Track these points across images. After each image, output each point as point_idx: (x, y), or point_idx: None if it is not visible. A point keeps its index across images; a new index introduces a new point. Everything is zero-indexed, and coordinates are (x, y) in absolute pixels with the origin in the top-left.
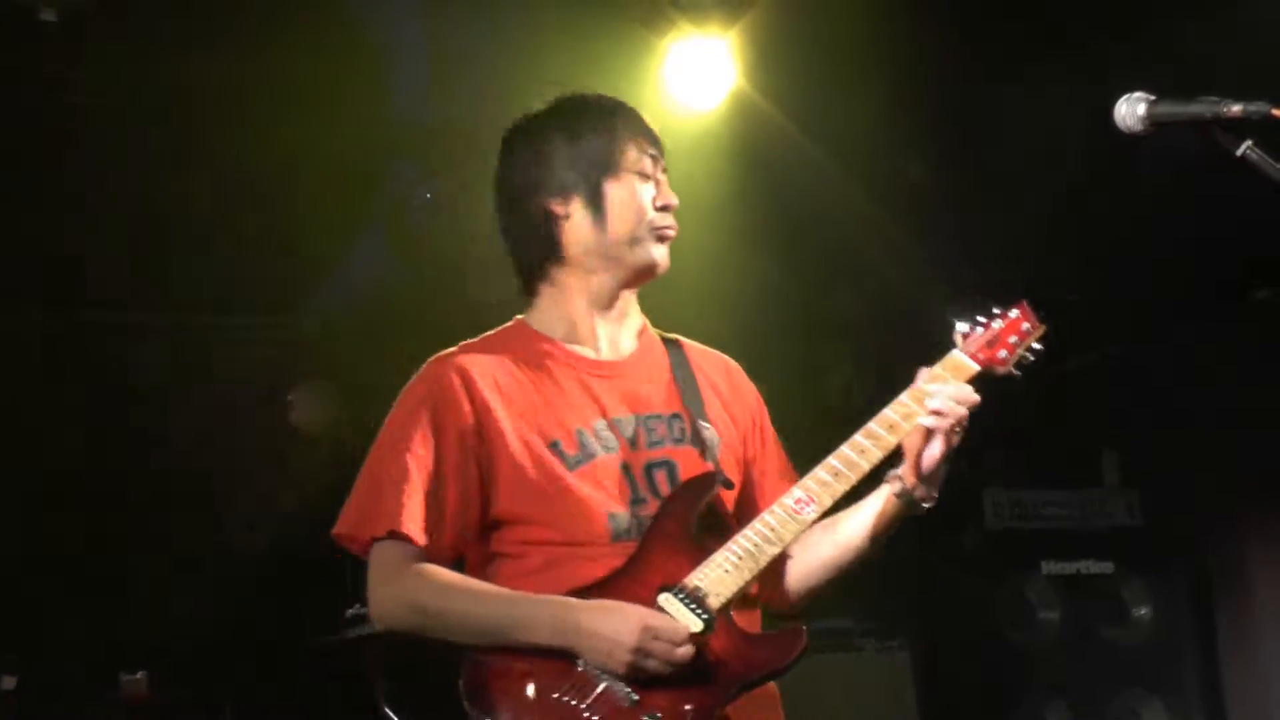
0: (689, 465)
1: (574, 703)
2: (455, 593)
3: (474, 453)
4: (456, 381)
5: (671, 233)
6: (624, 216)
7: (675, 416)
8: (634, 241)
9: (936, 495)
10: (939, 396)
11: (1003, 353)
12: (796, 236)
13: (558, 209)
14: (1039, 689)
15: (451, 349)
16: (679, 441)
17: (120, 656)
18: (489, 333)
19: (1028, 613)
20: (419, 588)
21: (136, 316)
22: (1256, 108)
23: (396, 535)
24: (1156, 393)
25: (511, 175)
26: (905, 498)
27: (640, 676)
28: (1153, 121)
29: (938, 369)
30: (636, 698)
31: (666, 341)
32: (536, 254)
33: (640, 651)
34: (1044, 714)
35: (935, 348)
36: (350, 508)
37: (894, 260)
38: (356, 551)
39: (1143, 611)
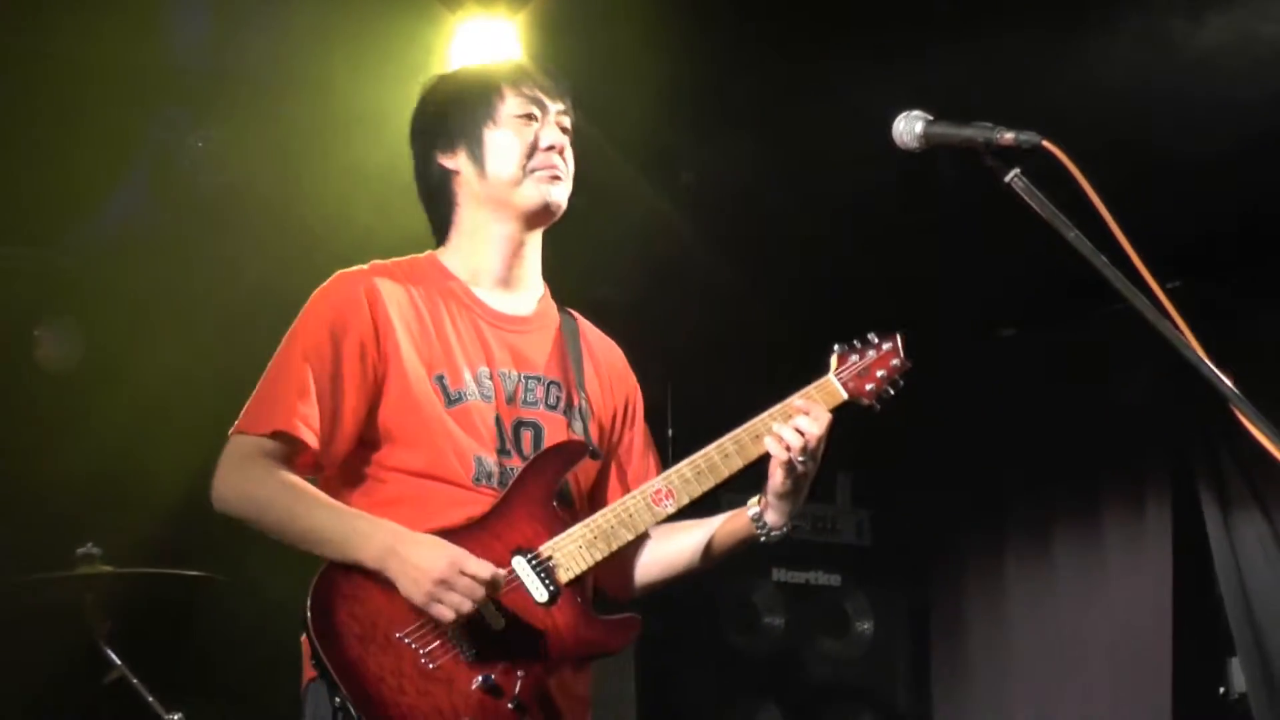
0: (555, 431)
1: (414, 646)
2: (294, 496)
3: (371, 365)
4: (363, 296)
5: (557, 172)
6: (502, 161)
7: (554, 383)
8: (513, 183)
9: (784, 528)
10: (789, 435)
11: (870, 385)
12: (576, 230)
13: (447, 163)
14: (755, 692)
15: (362, 265)
16: (552, 407)
17: None
18: (401, 258)
19: (753, 617)
20: (267, 482)
21: None
22: (1027, 137)
23: (281, 435)
24: (891, 426)
25: (413, 129)
26: (757, 521)
27: (439, 613)
28: (928, 141)
29: (810, 390)
30: (474, 652)
31: (563, 312)
32: (439, 206)
33: (444, 583)
34: (756, 717)
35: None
36: (250, 405)
37: (683, 261)
38: None
39: (864, 626)
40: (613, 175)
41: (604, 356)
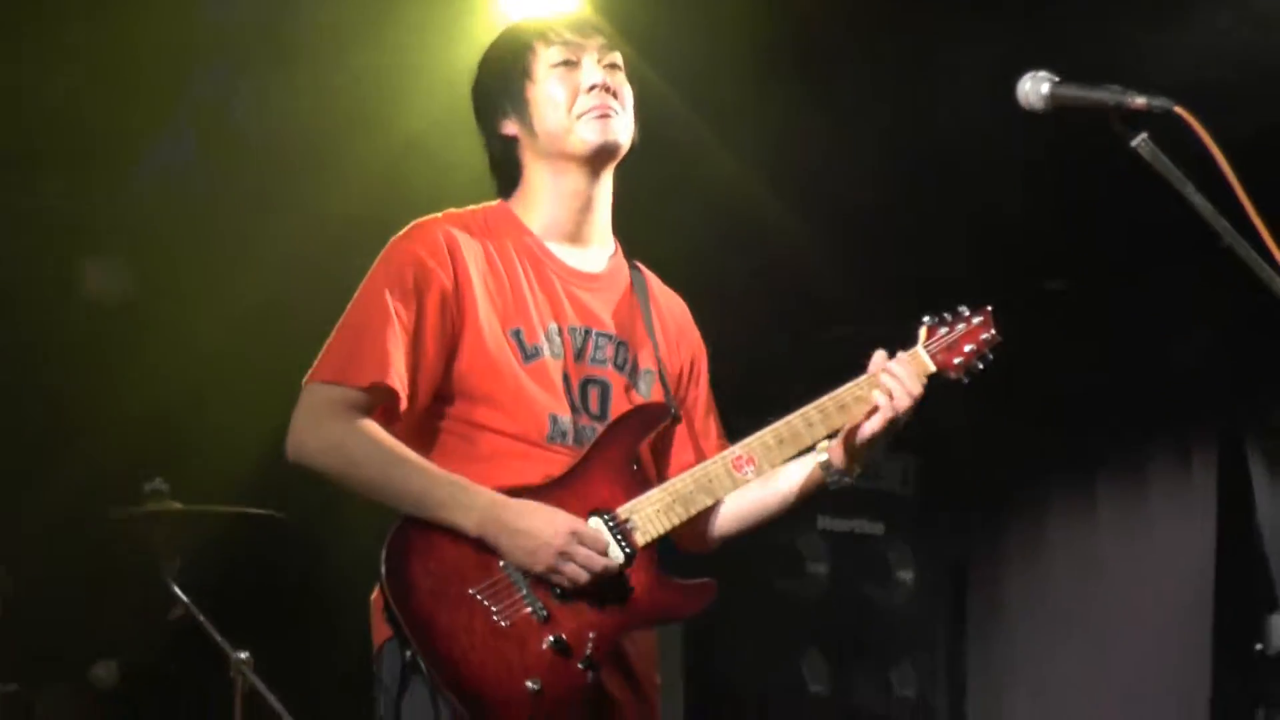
0: (619, 391)
1: (486, 602)
2: (391, 457)
3: (451, 318)
4: (443, 246)
5: (607, 110)
6: (546, 114)
7: (623, 343)
8: (564, 132)
9: (851, 474)
10: (896, 387)
11: (958, 359)
12: (661, 194)
13: (506, 131)
14: (799, 638)
15: (436, 214)
16: (620, 367)
17: None
18: (473, 207)
19: (797, 564)
20: (356, 440)
21: None
22: (1160, 102)
23: (375, 388)
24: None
25: (475, 112)
26: (829, 472)
27: (558, 582)
28: (1055, 102)
29: (899, 360)
30: (546, 614)
31: (632, 268)
32: (508, 174)
33: (564, 555)
34: (800, 662)
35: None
36: (331, 353)
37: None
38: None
39: (905, 576)
40: (681, 130)
41: (671, 314)
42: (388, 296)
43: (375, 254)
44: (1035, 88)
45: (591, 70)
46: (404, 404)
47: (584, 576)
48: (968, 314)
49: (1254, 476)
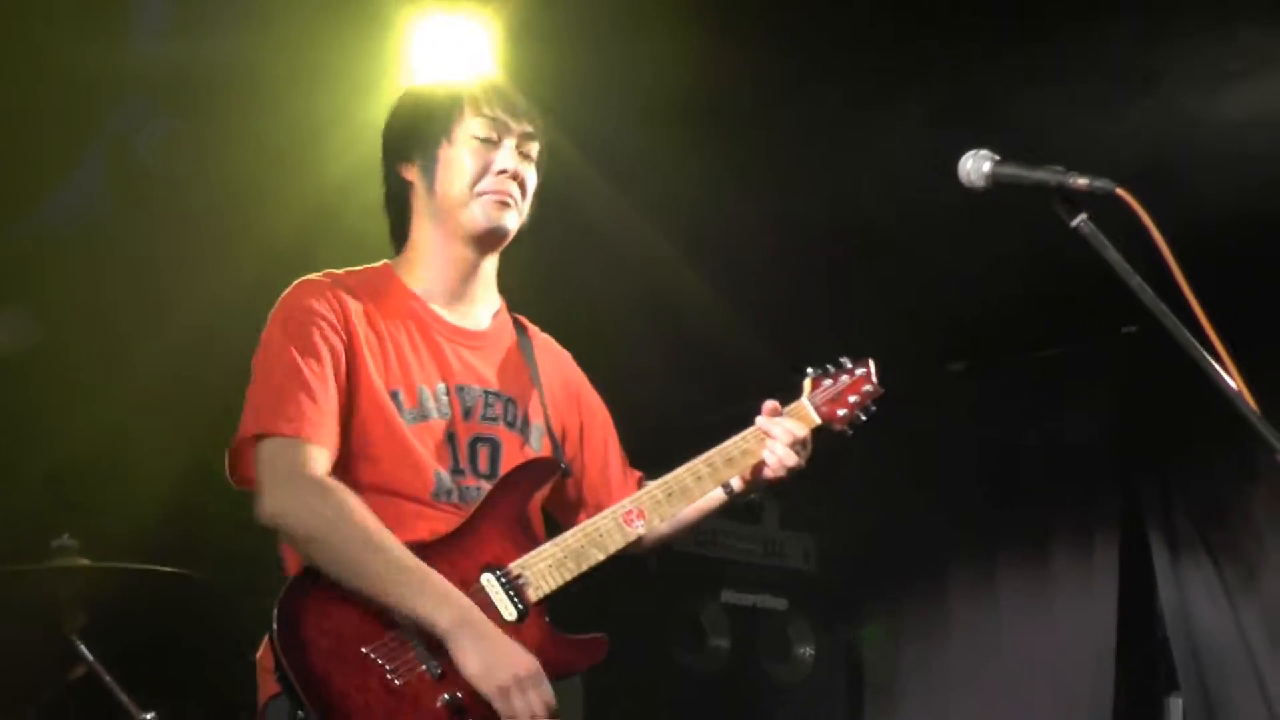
0: (511, 448)
1: (380, 661)
2: (365, 527)
3: (339, 377)
4: (336, 305)
5: (506, 198)
6: (450, 180)
7: (511, 400)
8: (459, 206)
9: (751, 492)
10: (783, 439)
11: (842, 410)
12: (560, 255)
13: (406, 175)
14: (698, 711)
15: (320, 275)
16: (511, 425)
17: None
18: (355, 269)
19: (700, 638)
20: (338, 509)
21: None
22: (1101, 184)
23: (302, 440)
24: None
25: (382, 138)
26: (732, 494)
27: (502, 705)
28: (995, 181)
29: (785, 414)
30: (440, 672)
31: (516, 324)
32: (396, 216)
33: (520, 686)
34: None
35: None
36: (259, 409)
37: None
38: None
39: (805, 651)
40: (579, 188)
41: (558, 369)
42: (297, 352)
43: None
44: (977, 166)
45: (507, 155)
46: (329, 460)
47: (525, 715)
48: (850, 366)
49: (1155, 558)
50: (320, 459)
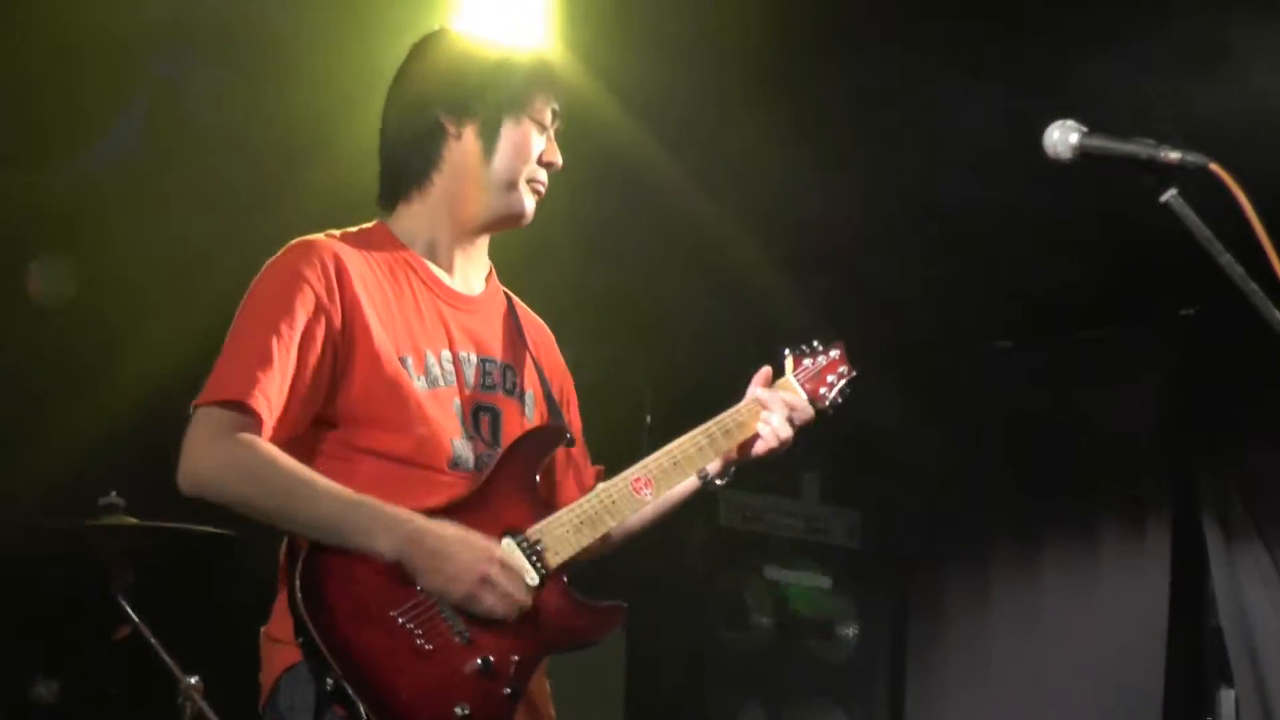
0: (511, 417)
1: (410, 626)
2: (296, 478)
3: (335, 341)
4: (331, 265)
5: (544, 189)
6: (511, 158)
7: (509, 367)
8: (510, 186)
9: (724, 477)
10: (779, 411)
11: (823, 389)
12: (610, 229)
13: (449, 126)
14: (740, 688)
15: (316, 235)
16: (510, 392)
17: None
18: (349, 229)
19: (742, 614)
20: (257, 460)
21: None
22: (1194, 158)
23: (240, 406)
24: (890, 430)
25: (416, 76)
26: (705, 480)
27: (476, 609)
28: (1083, 152)
29: (777, 388)
30: (470, 637)
31: (504, 293)
32: (412, 163)
33: (487, 582)
34: (737, 713)
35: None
36: (210, 378)
37: (729, 259)
38: None
39: (848, 630)
40: (634, 152)
41: (542, 337)
42: (268, 315)
43: None
44: (1064, 137)
45: (555, 148)
46: (268, 427)
47: (501, 609)
48: (824, 347)
49: (1210, 547)
50: (254, 427)
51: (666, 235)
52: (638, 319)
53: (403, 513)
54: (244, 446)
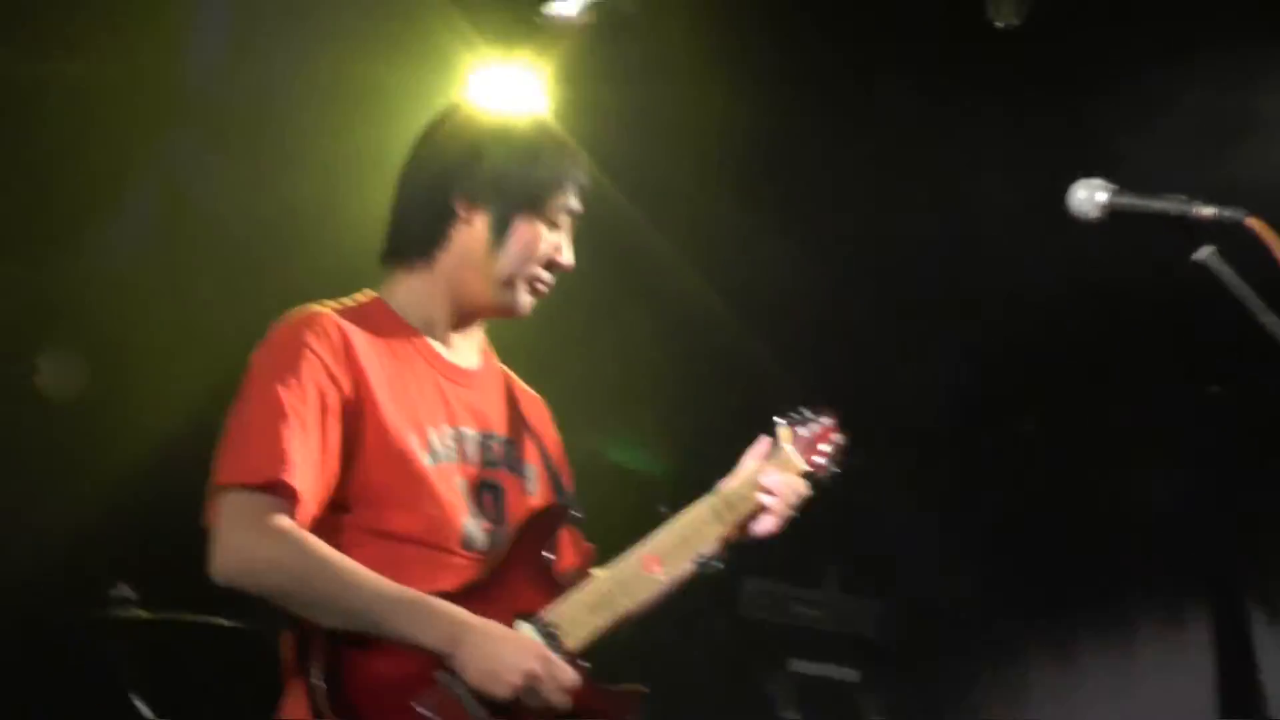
0: (514, 493)
1: (431, 715)
2: (338, 569)
3: (347, 417)
4: (338, 338)
5: (545, 290)
6: (518, 255)
7: (510, 441)
8: (509, 282)
9: (720, 558)
10: (780, 485)
11: (818, 458)
12: (613, 307)
13: (461, 209)
14: None
15: (316, 305)
16: (512, 468)
17: None
18: (345, 301)
19: (767, 709)
20: (296, 551)
21: None
22: (1230, 213)
23: (276, 486)
24: (916, 518)
25: (437, 147)
26: (703, 564)
27: (529, 703)
28: (1111, 211)
29: (775, 462)
30: None
31: (500, 367)
32: (419, 235)
33: (532, 677)
34: None
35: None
36: (231, 452)
37: (719, 337)
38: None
39: None
40: (629, 233)
41: (537, 412)
42: (280, 389)
43: None
44: (1090, 196)
45: (567, 248)
46: (305, 507)
47: (554, 700)
48: (816, 415)
49: (1255, 632)
50: (290, 510)
51: (666, 316)
52: (646, 405)
53: (445, 607)
54: (282, 537)
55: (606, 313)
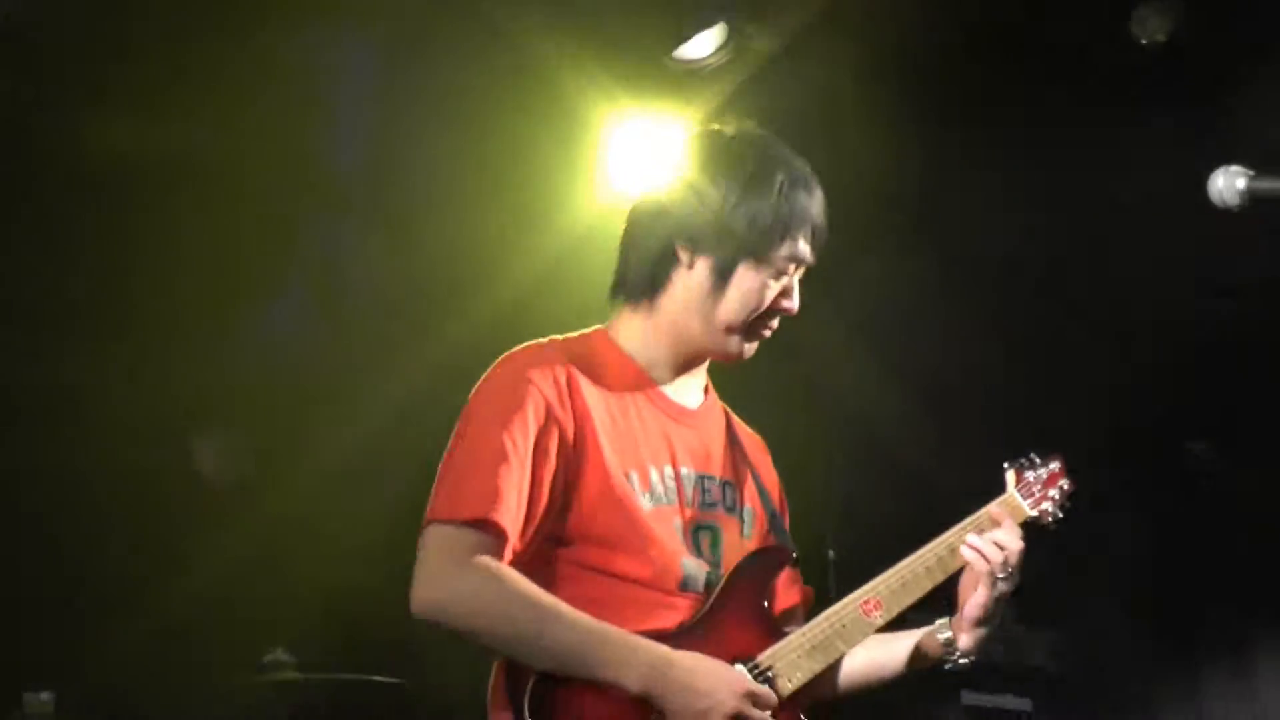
0: (731, 535)
1: None
2: (541, 608)
3: (567, 455)
4: (563, 377)
5: (768, 334)
6: (739, 304)
7: (728, 483)
8: (729, 328)
9: (974, 654)
10: (983, 541)
11: (1046, 504)
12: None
13: (683, 254)
14: None
15: (542, 340)
16: (730, 510)
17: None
18: (571, 335)
19: None
20: (501, 590)
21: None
22: None
23: (484, 524)
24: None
25: (670, 186)
26: (949, 646)
27: None
28: (1253, 197)
29: (997, 505)
30: None
31: (721, 406)
32: (643, 277)
33: (739, 717)
34: None
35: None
36: (443, 489)
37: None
38: None
39: None
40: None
41: (758, 453)
42: (500, 427)
43: None
44: (1229, 182)
45: (794, 294)
46: (511, 545)
47: None
48: (1044, 460)
49: None
50: (497, 549)
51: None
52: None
53: (648, 644)
54: (487, 575)
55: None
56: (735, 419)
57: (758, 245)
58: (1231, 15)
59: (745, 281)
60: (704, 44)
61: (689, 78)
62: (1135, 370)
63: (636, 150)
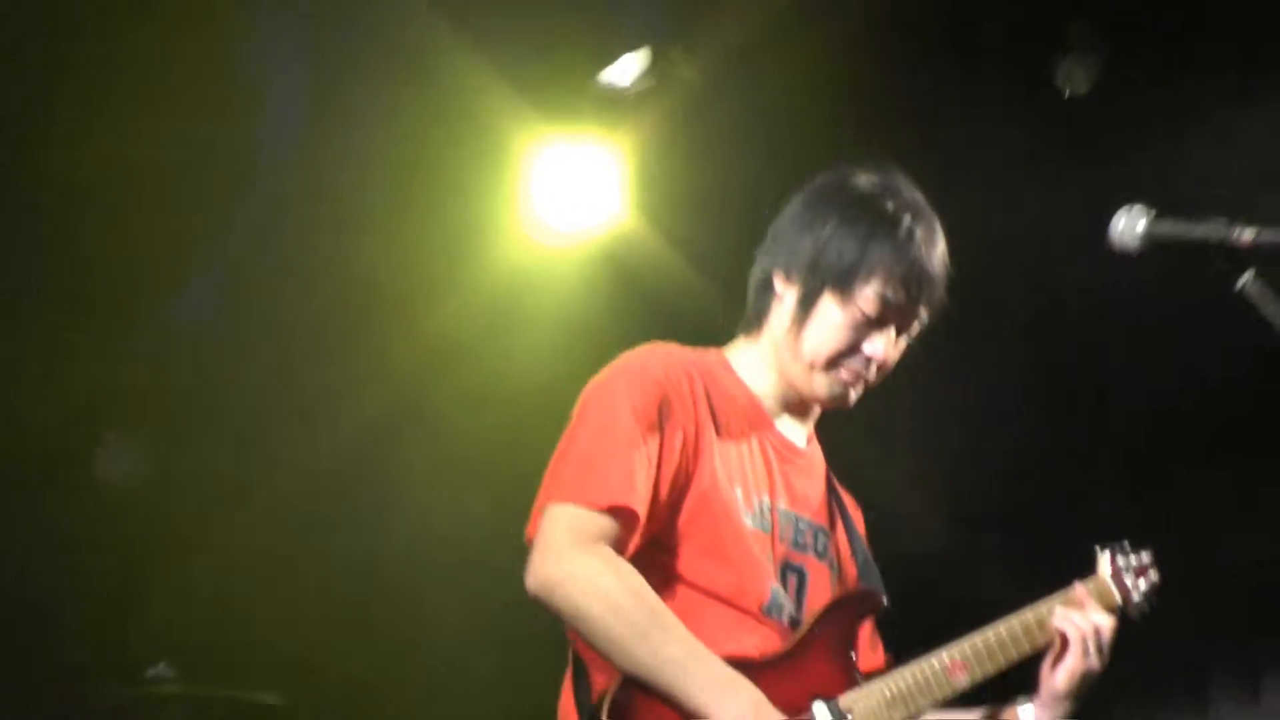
0: (819, 581)
1: None
2: (653, 616)
3: (684, 457)
4: (687, 383)
5: (854, 380)
6: (818, 337)
7: (822, 530)
8: (812, 365)
9: None
10: (1079, 615)
11: (1134, 594)
12: None
13: (778, 284)
14: None
15: (669, 343)
16: (820, 555)
17: None
18: (694, 349)
19: None
20: (620, 582)
21: None
22: (1272, 236)
23: (620, 512)
24: None
25: (784, 215)
26: None
27: None
28: (1151, 240)
29: (1089, 586)
30: None
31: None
32: (751, 306)
33: None
34: None
35: None
36: (568, 469)
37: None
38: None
39: None
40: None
41: (854, 511)
42: (631, 416)
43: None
44: (1130, 225)
45: (887, 340)
46: (636, 538)
47: None
48: (1137, 550)
49: None
50: (622, 536)
51: None
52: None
53: (749, 685)
54: (609, 563)
55: None
56: (833, 477)
57: (840, 279)
58: (1149, 73)
59: (828, 315)
60: (628, 69)
61: (614, 103)
62: None
63: (561, 177)
